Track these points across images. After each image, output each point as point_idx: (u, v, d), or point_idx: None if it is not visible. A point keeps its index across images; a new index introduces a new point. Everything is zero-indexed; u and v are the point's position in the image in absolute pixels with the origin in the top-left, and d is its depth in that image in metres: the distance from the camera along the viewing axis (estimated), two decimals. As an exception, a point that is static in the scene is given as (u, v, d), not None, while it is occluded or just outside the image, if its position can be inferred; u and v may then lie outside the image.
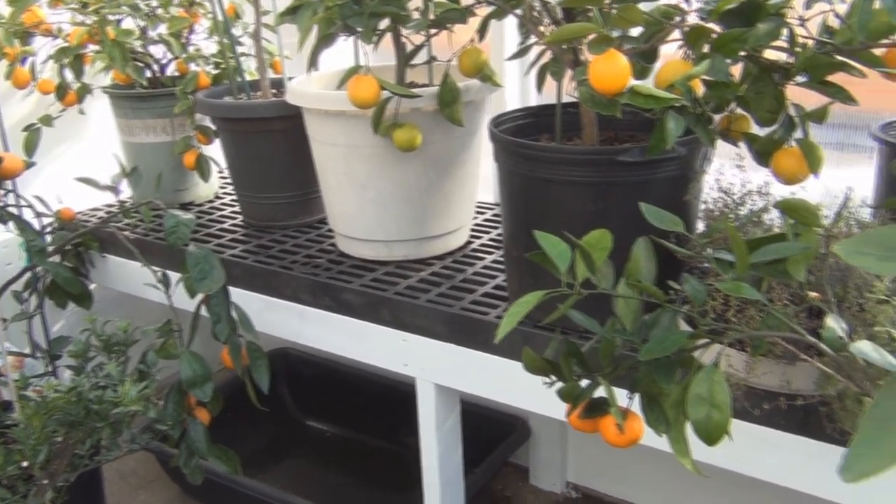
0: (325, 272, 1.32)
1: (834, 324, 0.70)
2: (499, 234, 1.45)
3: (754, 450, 0.96)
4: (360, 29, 1.07)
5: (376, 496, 1.76)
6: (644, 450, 1.60)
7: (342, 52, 1.25)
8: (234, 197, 1.66)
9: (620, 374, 0.72)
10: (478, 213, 1.54)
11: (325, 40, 1.11)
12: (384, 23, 1.16)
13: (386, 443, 1.84)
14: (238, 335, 1.15)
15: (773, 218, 0.98)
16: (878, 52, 0.89)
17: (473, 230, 1.46)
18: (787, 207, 0.71)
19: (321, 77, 1.36)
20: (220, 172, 1.78)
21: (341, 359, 1.90)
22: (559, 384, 0.75)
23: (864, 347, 0.65)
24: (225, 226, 1.58)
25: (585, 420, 0.73)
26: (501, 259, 1.33)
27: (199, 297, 1.13)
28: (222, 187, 1.81)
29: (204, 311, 1.15)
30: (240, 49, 1.61)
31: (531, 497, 1.75)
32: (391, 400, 1.79)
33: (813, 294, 0.79)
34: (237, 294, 1.37)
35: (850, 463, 0.34)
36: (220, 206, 1.71)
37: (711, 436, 0.64)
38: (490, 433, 1.67)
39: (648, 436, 0.74)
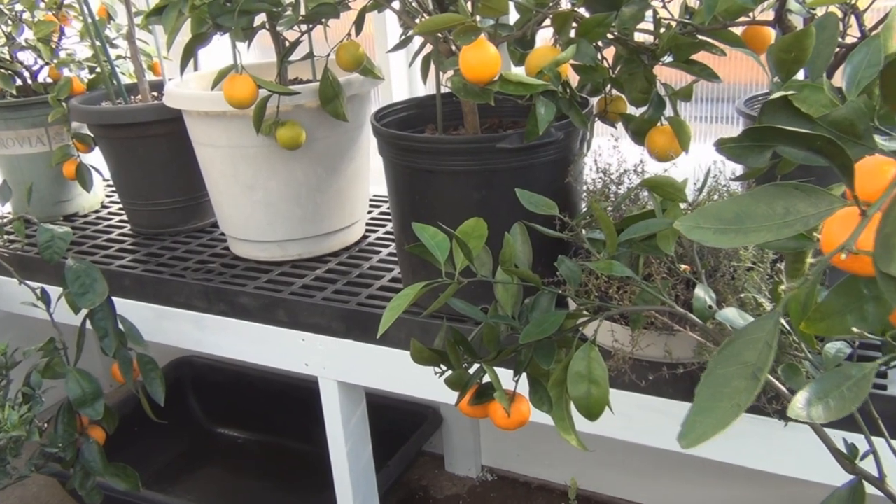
0: (219, 277, 1.29)
1: (702, 294, 0.73)
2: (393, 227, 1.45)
3: (644, 418, 0.99)
4: (230, 27, 1.05)
5: (294, 498, 1.74)
6: (552, 428, 1.64)
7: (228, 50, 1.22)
8: (120, 206, 1.61)
9: (506, 358, 0.73)
10: (373, 206, 1.54)
11: (198, 39, 1.09)
12: (261, 18, 1.15)
13: (301, 444, 1.82)
14: (127, 348, 1.12)
15: (649, 195, 1.01)
16: (737, 30, 0.93)
17: (369, 224, 1.46)
18: (652, 185, 0.74)
19: (202, 77, 1.32)
20: (107, 181, 1.72)
21: (249, 363, 1.87)
22: (449, 373, 0.76)
23: (729, 314, 0.68)
24: (112, 236, 1.53)
25: (475, 406, 0.74)
26: (396, 252, 1.33)
27: (84, 312, 1.09)
28: (108, 195, 1.74)
29: (90, 327, 1.11)
30: (115, 52, 1.55)
31: (448, 484, 1.76)
32: (302, 401, 1.77)
33: (684, 266, 0.82)
34: (128, 305, 1.33)
35: (687, 429, 0.36)
36: (106, 216, 1.65)
37: (592, 411, 0.65)
38: (402, 424, 1.67)
39: (545, 415, 0.76)
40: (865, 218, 0.38)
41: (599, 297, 0.87)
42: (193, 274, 1.31)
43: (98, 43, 1.46)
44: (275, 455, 1.85)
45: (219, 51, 1.34)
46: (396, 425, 1.66)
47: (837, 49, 0.81)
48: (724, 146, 0.43)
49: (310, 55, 1.26)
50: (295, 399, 1.80)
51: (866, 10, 0.86)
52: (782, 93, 0.46)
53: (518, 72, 0.93)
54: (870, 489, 0.56)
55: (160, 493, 1.56)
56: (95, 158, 1.56)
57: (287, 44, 1.21)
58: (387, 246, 1.38)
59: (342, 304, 1.17)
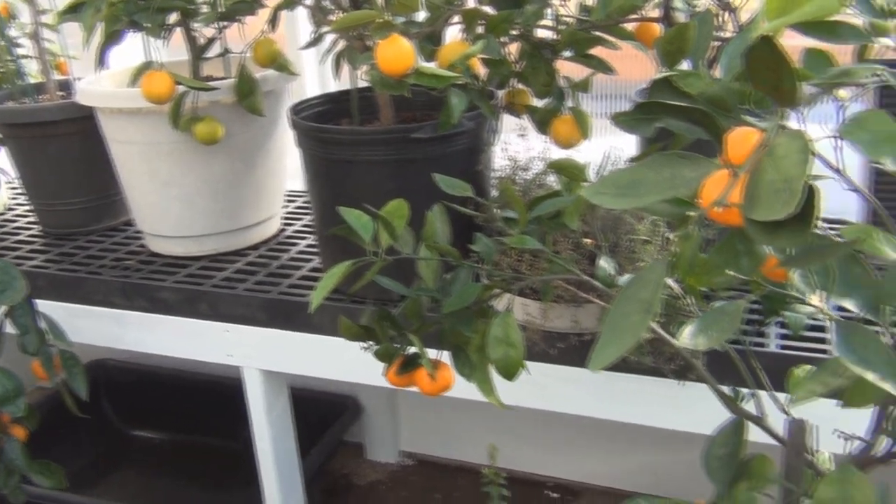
0: (137, 273, 1.30)
1: (605, 264, 0.81)
2: (311, 220, 1.49)
3: (555, 387, 1.07)
4: (147, 25, 1.07)
5: (216, 496, 1.75)
6: (467, 410, 1.71)
7: (136, 49, 1.23)
8: (29, 207, 1.58)
9: (429, 329, 0.78)
10: (288, 201, 1.57)
11: (113, 37, 1.10)
12: (174, 17, 1.16)
13: (221, 441, 1.83)
14: (49, 345, 1.11)
15: (554, 180, 1.09)
16: (629, 27, 1.01)
17: (285, 218, 1.49)
18: (557, 167, 0.81)
19: (113, 75, 1.32)
20: (10, 182, 1.69)
21: (163, 363, 1.86)
22: (376, 348, 0.81)
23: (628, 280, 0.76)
24: (21, 237, 1.50)
25: (401, 376, 0.80)
26: (315, 243, 1.37)
27: (2, 310, 1.09)
28: (13, 198, 1.71)
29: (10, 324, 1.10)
30: (20, 51, 1.53)
31: (368, 470, 1.81)
32: (220, 398, 1.77)
33: (588, 241, 0.90)
34: (43, 306, 1.31)
35: (595, 356, 0.42)
36: (12, 218, 1.62)
37: (510, 371, 0.72)
38: (323, 415, 1.70)
39: (464, 389, 0.82)
40: (735, 178, 0.45)
41: (511, 272, 0.94)
42: (111, 271, 1.31)
43: (1, 42, 1.43)
44: (195, 454, 1.85)
45: (125, 50, 1.34)
46: (317, 416, 1.69)
47: (717, 42, 0.91)
48: (619, 119, 0.50)
49: (225, 52, 1.28)
50: (213, 396, 1.81)
51: (740, 8, 0.96)
52: (665, 73, 0.53)
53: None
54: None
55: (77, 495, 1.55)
56: (-1, 159, 1.54)
57: (200, 42, 1.23)
58: (304, 238, 1.41)
59: (264, 294, 1.20)
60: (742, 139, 0.46)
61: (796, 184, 0.39)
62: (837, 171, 0.57)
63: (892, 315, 0.51)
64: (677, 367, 0.95)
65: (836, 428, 0.59)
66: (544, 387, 1.07)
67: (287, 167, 1.43)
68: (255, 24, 1.21)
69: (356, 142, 1.04)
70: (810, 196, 0.39)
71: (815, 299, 0.49)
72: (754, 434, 0.67)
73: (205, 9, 1.11)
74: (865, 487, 0.50)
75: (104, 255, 1.38)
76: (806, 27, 0.48)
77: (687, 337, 0.46)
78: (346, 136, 1.05)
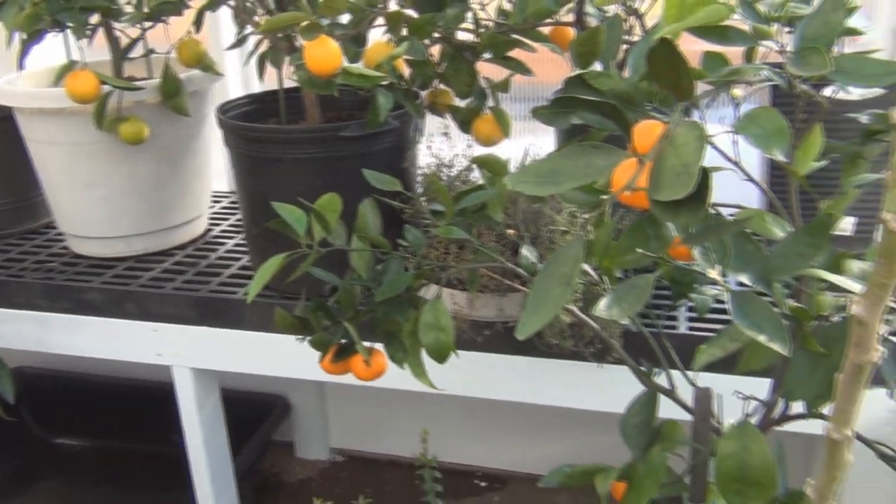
0: (60, 275, 1.29)
1: (527, 252, 0.86)
2: (237, 220, 1.50)
3: (482, 374, 1.11)
4: (70, 24, 1.07)
5: (144, 501, 1.73)
6: (395, 405, 1.75)
7: (53, 48, 1.22)
8: (-60, 211, 1.54)
9: (362, 319, 0.82)
10: (214, 202, 1.57)
11: (34, 37, 1.09)
12: (96, 17, 1.16)
13: (147, 446, 1.81)
14: (-29, 349, 1.10)
15: (478, 176, 1.14)
16: (545, 30, 1.07)
17: (211, 218, 1.49)
18: (480, 162, 0.86)
19: (31, 75, 1.31)
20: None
21: (84, 370, 1.83)
22: (311, 338, 0.84)
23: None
24: (-66, 242, 1.46)
25: (336, 364, 0.83)
26: (243, 242, 1.38)
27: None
28: (-77, 202, 1.65)
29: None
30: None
31: (299, 469, 1.82)
32: (144, 402, 1.76)
33: (511, 231, 0.95)
34: (-39, 311, 1.29)
35: (521, 326, 0.47)
36: (-77, 223, 1.57)
37: (441, 354, 0.76)
38: (252, 415, 1.71)
39: (394, 379, 0.85)
40: (641, 165, 0.51)
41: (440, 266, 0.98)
42: (33, 274, 1.29)
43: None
44: (121, 461, 1.83)
45: (42, 51, 1.33)
46: (247, 416, 1.69)
47: (626, 46, 0.97)
48: (538, 112, 0.54)
49: (149, 52, 1.28)
50: (136, 402, 1.79)
51: (646, 14, 1.03)
52: (579, 71, 0.58)
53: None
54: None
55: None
56: None
57: (122, 42, 1.23)
58: (232, 238, 1.42)
59: (193, 292, 1.21)
60: (647, 131, 0.52)
61: (693, 168, 0.44)
62: (735, 163, 0.64)
63: (781, 288, 0.58)
64: (596, 350, 1.01)
65: (736, 391, 0.65)
66: (472, 374, 1.11)
67: (212, 168, 1.44)
68: (177, 24, 1.22)
69: (286, 140, 1.06)
70: (705, 178, 0.45)
71: (713, 273, 0.55)
72: (669, 410, 0.73)
73: (129, 9, 1.11)
74: (761, 440, 0.56)
75: (25, 258, 1.36)
76: (700, 31, 0.54)
77: (603, 308, 0.51)
78: (276, 135, 1.08)
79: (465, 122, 1.15)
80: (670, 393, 0.75)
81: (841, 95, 0.64)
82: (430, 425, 1.73)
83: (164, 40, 1.25)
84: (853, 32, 0.65)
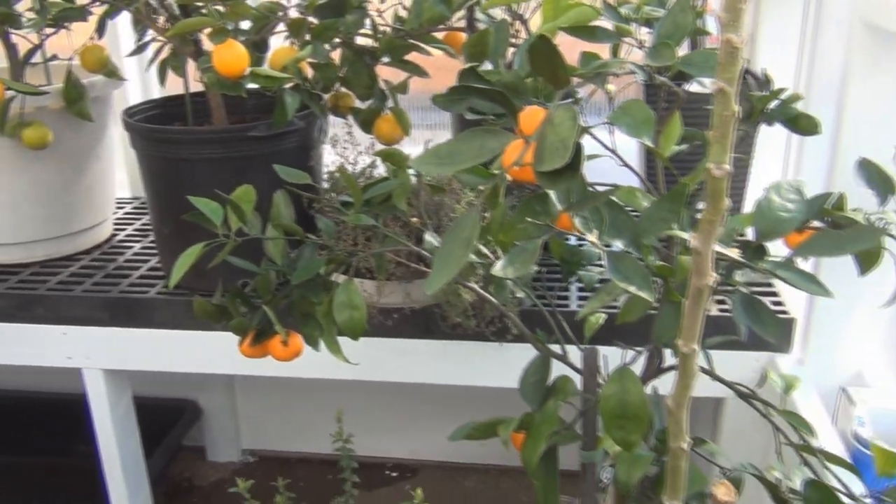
0: (-39, 284, 1.27)
1: (430, 238, 0.93)
2: (142, 225, 1.51)
3: (392, 359, 1.18)
4: (-30, 30, 1.07)
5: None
6: (305, 403, 1.79)
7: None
8: None
9: (279, 303, 0.87)
10: (118, 207, 1.58)
11: (-69, 43, 1.09)
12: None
13: (55, 459, 1.78)
14: None
15: (380, 173, 1.21)
16: (440, 35, 1.15)
17: (116, 224, 1.50)
18: (384, 155, 0.92)
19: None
20: None
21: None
22: (234, 323, 0.88)
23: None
24: None
25: (255, 347, 0.88)
26: (150, 245, 1.40)
27: None
28: None
29: None
30: None
31: (211, 472, 1.83)
32: (52, 414, 1.74)
33: (415, 220, 1.02)
34: None
35: (429, 282, 0.54)
36: None
37: (355, 330, 0.82)
38: (163, 421, 1.72)
39: (307, 367, 0.90)
40: (527, 144, 0.59)
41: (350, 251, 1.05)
42: (-68, 283, 1.27)
43: None
44: (25, 476, 1.79)
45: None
46: (157, 422, 1.70)
47: (513, 49, 1.06)
48: (437, 99, 0.62)
49: (52, 58, 1.29)
50: (42, 415, 1.77)
51: (530, 19, 1.12)
52: (470, 64, 0.66)
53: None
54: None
55: None
56: None
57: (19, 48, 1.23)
58: (139, 241, 1.44)
59: (104, 293, 1.23)
60: (532, 115, 0.60)
61: (569, 142, 0.52)
62: (612, 150, 0.73)
63: (651, 250, 0.67)
64: (497, 328, 1.10)
65: (616, 341, 0.75)
66: (383, 359, 1.18)
67: (116, 173, 1.45)
68: (77, 30, 1.24)
69: (196, 141, 1.10)
70: (578, 151, 0.53)
71: (591, 237, 0.63)
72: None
73: (30, 15, 1.12)
74: (637, 382, 0.65)
75: (-80, 269, 1.34)
76: (572, 30, 0.63)
77: (498, 267, 0.59)
78: (184, 136, 1.11)
79: (367, 122, 1.22)
80: (561, 357, 0.84)
81: (696, 88, 0.75)
82: (344, 422, 1.78)
83: (62, 47, 1.26)
84: (703, 32, 0.75)
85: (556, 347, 0.85)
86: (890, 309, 1.10)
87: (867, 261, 0.72)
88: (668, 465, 0.48)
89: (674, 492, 0.49)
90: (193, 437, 1.84)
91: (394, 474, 1.83)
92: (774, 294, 1.16)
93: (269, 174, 0.92)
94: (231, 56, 0.97)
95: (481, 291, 0.91)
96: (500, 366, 1.16)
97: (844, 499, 0.66)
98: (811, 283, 0.63)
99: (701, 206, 0.76)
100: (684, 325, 0.44)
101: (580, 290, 1.23)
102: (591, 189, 0.66)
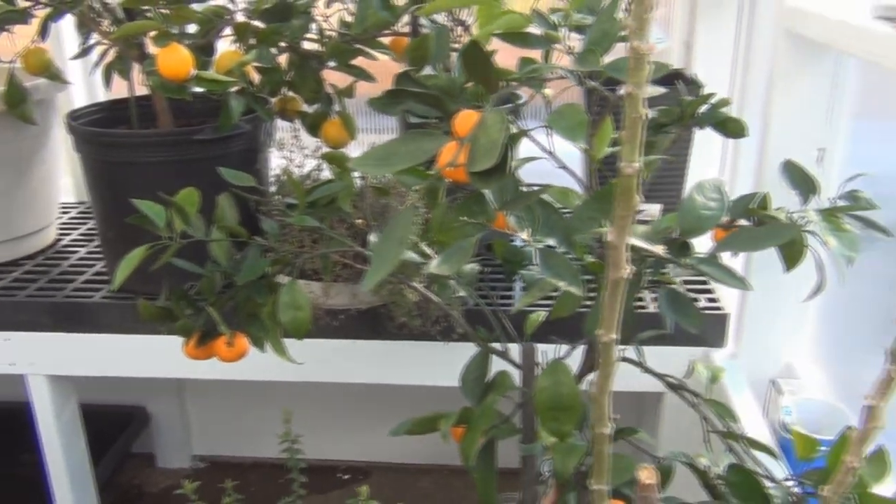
0: None
1: (375, 238, 0.95)
2: (88, 229, 1.50)
3: (339, 361, 1.20)
4: None
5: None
6: (255, 408, 1.79)
7: None
8: None
9: (224, 304, 0.88)
10: (62, 212, 1.56)
11: None
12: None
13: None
14: None
15: (328, 175, 1.22)
16: (385, 40, 1.17)
17: (60, 228, 1.49)
18: (329, 158, 0.94)
19: None
20: None
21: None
22: (179, 325, 0.89)
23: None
24: None
25: (200, 348, 0.89)
26: (95, 250, 1.39)
27: None
28: None
29: None
30: None
31: (161, 478, 1.82)
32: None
33: (360, 222, 1.04)
34: None
35: (366, 279, 0.56)
36: None
37: (299, 330, 0.83)
38: (110, 428, 1.70)
39: (255, 369, 0.91)
40: (461, 146, 0.61)
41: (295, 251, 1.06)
42: None
43: None
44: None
45: None
46: (105, 429, 1.68)
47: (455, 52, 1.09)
48: (374, 103, 0.64)
49: (-9, 61, 1.27)
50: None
51: (472, 25, 1.15)
52: (406, 68, 0.68)
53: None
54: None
55: None
56: None
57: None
58: (84, 246, 1.43)
59: (48, 298, 1.22)
60: (466, 118, 0.62)
61: (498, 143, 0.55)
62: (549, 153, 0.76)
63: (583, 247, 0.70)
64: (442, 328, 1.12)
65: (551, 336, 0.77)
66: (330, 361, 1.19)
67: (60, 177, 1.44)
68: (20, 33, 1.23)
69: (141, 144, 1.10)
70: (507, 152, 0.56)
71: (524, 235, 0.66)
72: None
73: (-31, 18, 1.11)
74: (569, 375, 0.68)
75: None
76: (506, 37, 0.65)
77: (434, 265, 0.61)
78: (130, 139, 1.11)
79: (314, 126, 1.23)
80: (501, 353, 0.86)
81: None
82: (291, 425, 1.78)
83: (4, 49, 1.25)
84: (626, 40, 0.78)
85: (501, 347, 0.88)
86: (818, 305, 1.15)
87: (791, 258, 0.76)
88: (594, 450, 0.51)
89: (599, 476, 0.52)
90: (143, 444, 1.83)
91: (346, 477, 1.83)
92: (710, 292, 1.21)
93: (214, 178, 0.93)
94: (175, 60, 0.97)
95: (424, 291, 0.93)
96: (446, 365, 1.17)
97: (767, 482, 0.70)
98: (731, 277, 0.66)
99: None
100: (603, 316, 0.46)
101: (524, 289, 1.26)
102: (524, 189, 0.68)
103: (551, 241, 0.68)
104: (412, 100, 0.62)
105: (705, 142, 1.32)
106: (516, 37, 0.65)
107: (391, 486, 1.82)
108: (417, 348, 1.17)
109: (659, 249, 0.67)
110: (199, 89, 1.06)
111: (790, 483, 0.69)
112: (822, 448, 0.70)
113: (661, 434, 1.22)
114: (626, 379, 0.97)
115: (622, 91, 0.42)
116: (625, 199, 0.42)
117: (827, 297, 1.07)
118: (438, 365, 1.18)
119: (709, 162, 1.41)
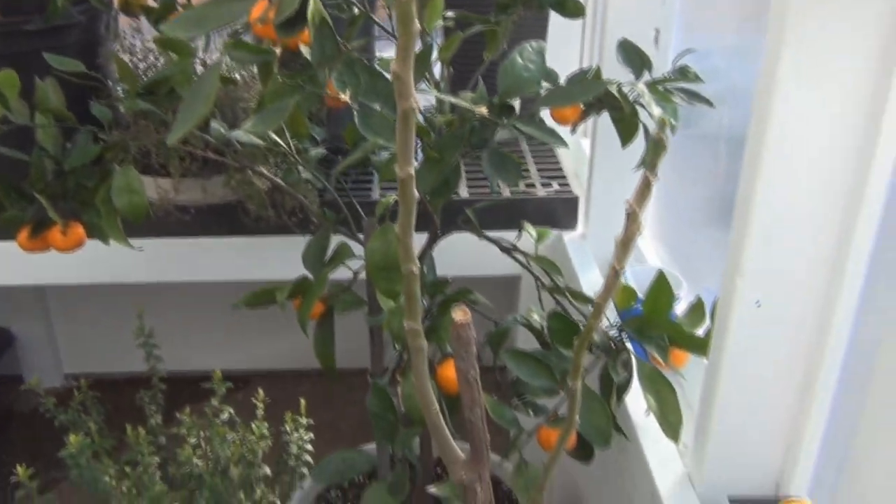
0: None
1: (217, 125, 0.93)
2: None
3: (197, 258, 1.18)
4: None
5: None
6: (125, 323, 1.74)
7: None
8: None
9: (55, 191, 0.85)
10: None
11: None
12: None
13: None
14: None
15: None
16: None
17: None
18: (163, 43, 0.91)
19: None
20: None
21: None
22: (6, 216, 0.85)
23: (240, 135, 0.89)
24: None
25: (34, 240, 0.86)
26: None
27: None
28: None
29: None
30: None
31: (32, 398, 1.77)
32: None
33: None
34: None
35: (172, 133, 0.55)
36: None
37: (137, 214, 0.82)
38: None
39: (108, 271, 0.89)
40: (271, 4, 0.60)
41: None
42: None
43: None
44: None
45: None
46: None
47: None
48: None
49: None
50: None
51: None
52: None
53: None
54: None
55: None
56: None
57: None
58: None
59: None
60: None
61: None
62: (369, 15, 0.75)
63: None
64: (299, 220, 1.12)
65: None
66: (188, 259, 1.18)
67: None
68: None
69: (-38, 34, 1.04)
70: (304, 6, 0.55)
71: (344, 97, 0.66)
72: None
73: None
74: (396, 234, 0.70)
75: None
76: None
77: (249, 126, 0.61)
78: (-50, 30, 1.04)
79: (160, 20, 1.18)
80: (344, 230, 0.88)
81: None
82: (163, 337, 1.76)
83: None
84: None
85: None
86: (658, 191, 1.21)
87: (626, 133, 0.79)
88: (403, 290, 0.53)
89: (411, 314, 0.54)
90: (11, 367, 1.77)
91: (226, 386, 1.83)
92: (562, 178, 1.25)
93: (48, 72, 0.88)
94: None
95: (277, 180, 0.93)
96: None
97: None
98: (549, 135, 0.69)
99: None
100: (398, 150, 0.48)
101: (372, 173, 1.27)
102: (343, 51, 0.68)
103: (376, 105, 0.69)
104: None
105: (566, 27, 1.35)
106: None
107: (269, 393, 1.83)
108: (276, 242, 1.17)
109: (482, 110, 0.68)
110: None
111: (610, 329, 0.74)
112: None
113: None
114: (483, 264, 1.01)
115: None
116: (404, 25, 0.42)
117: (665, 184, 1.13)
118: (298, 258, 1.19)
119: (569, 51, 1.44)
